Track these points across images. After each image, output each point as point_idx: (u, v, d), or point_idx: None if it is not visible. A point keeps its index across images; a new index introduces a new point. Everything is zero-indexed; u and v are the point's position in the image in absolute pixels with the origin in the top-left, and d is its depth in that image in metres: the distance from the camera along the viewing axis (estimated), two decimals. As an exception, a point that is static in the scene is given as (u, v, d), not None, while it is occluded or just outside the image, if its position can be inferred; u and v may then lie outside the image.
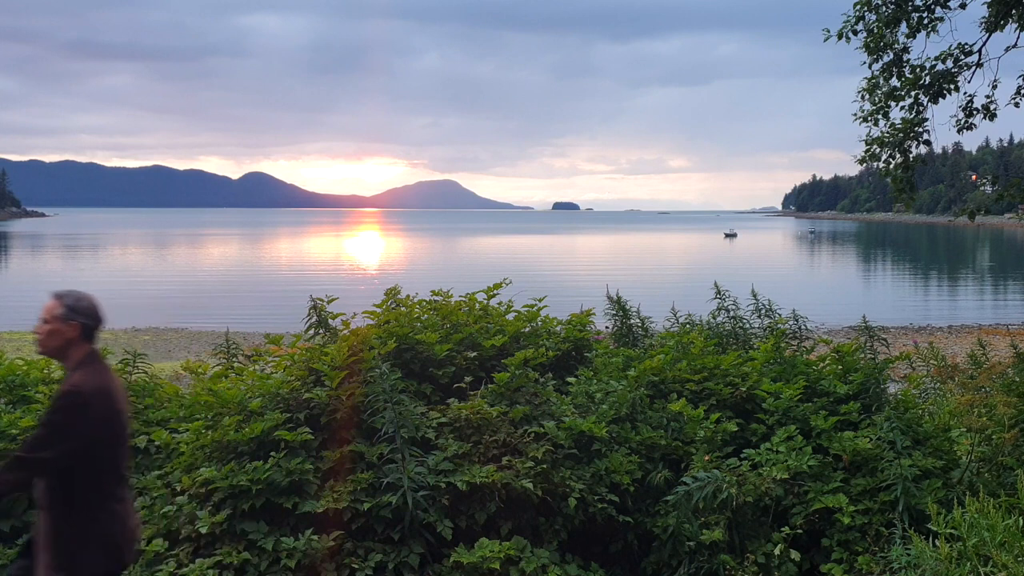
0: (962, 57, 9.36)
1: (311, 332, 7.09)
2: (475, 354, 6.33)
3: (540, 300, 7.19)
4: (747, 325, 8.73)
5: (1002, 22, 9.22)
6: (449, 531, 4.99)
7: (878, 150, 9.68)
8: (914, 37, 9.30)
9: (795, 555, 5.23)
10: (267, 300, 36.77)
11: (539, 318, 7.05)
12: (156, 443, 5.76)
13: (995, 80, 9.57)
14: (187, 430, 5.58)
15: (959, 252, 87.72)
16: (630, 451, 5.72)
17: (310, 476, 5.13)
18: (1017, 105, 9.91)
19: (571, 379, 6.40)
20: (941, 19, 9.23)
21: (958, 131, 9.80)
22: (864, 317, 8.81)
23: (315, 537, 4.82)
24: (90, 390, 3.45)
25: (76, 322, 3.51)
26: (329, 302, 7.22)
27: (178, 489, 5.30)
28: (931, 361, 9.32)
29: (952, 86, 9.37)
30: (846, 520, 5.29)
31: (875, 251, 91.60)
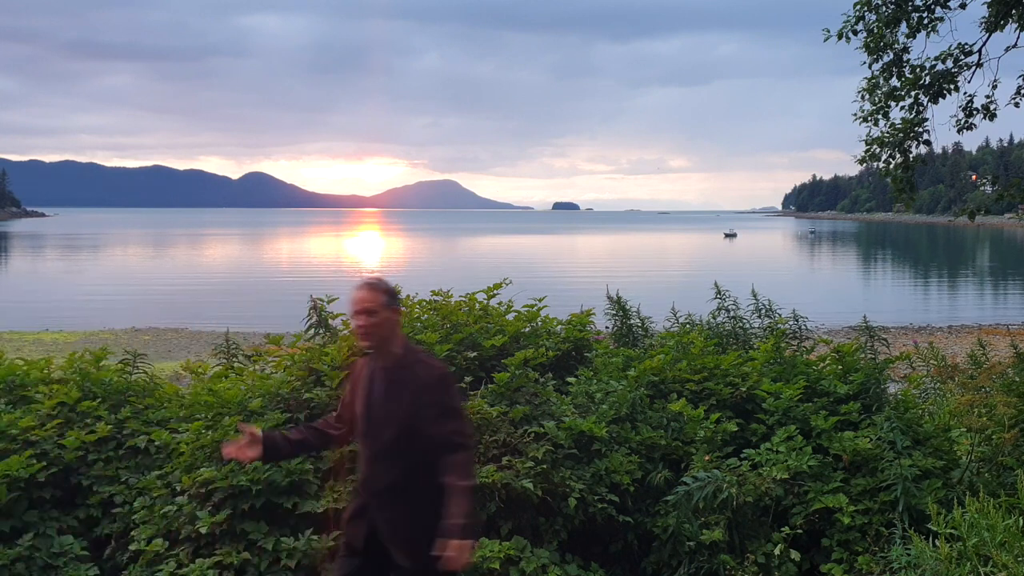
0: (962, 57, 9.36)
1: (311, 332, 7.09)
2: (475, 354, 6.33)
3: (540, 300, 7.19)
4: (747, 325, 8.73)
5: (1002, 22, 9.22)
6: (449, 531, 4.99)
7: (878, 150, 9.68)
8: (914, 37, 9.30)
9: (795, 555, 5.23)
10: (267, 300, 36.76)
11: (539, 318, 7.05)
12: (156, 443, 5.76)
13: (995, 80, 9.57)
14: (187, 430, 5.58)
15: (959, 252, 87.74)
16: (630, 451, 5.72)
17: (310, 476, 5.14)
18: (1017, 105, 9.91)
19: (571, 379, 6.40)
20: (941, 19, 9.23)
21: (958, 131, 9.81)
22: (864, 317, 8.82)
23: (315, 537, 4.82)
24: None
25: (398, 306, 3.60)
26: (329, 302, 7.22)
27: (178, 489, 5.31)
28: (931, 361, 9.32)
29: (952, 86, 9.37)
30: (846, 520, 5.29)
31: (875, 251, 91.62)
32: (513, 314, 7.06)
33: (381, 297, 3.50)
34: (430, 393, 3.46)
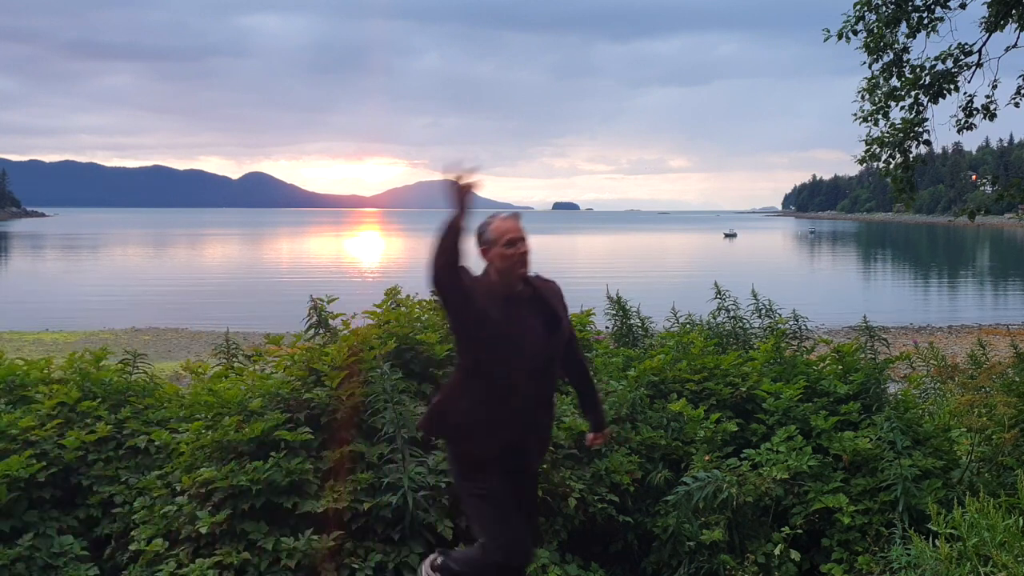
0: (962, 57, 9.37)
1: (311, 332, 7.09)
2: (475, 354, 6.33)
3: (540, 300, 7.18)
4: (747, 325, 8.73)
5: (1002, 22, 9.22)
6: (449, 531, 4.99)
7: (878, 150, 9.69)
8: (914, 37, 9.31)
9: (795, 555, 5.23)
10: (267, 300, 36.74)
11: (539, 318, 7.04)
12: (156, 443, 5.76)
13: (995, 80, 9.58)
14: (187, 430, 5.58)
15: (959, 252, 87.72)
16: (630, 451, 5.72)
17: (310, 476, 5.13)
18: (1017, 105, 9.91)
19: (571, 379, 6.40)
20: (941, 19, 9.24)
21: (958, 131, 9.81)
22: (864, 317, 8.82)
23: (315, 537, 4.82)
24: None
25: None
26: (329, 302, 7.22)
27: (178, 489, 5.31)
28: (931, 361, 9.32)
29: (952, 86, 9.37)
30: (846, 520, 5.30)
31: (875, 251, 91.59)
32: (513, 314, 7.05)
33: (523, 227, 3.76)
34: (561, 299, 3.84)
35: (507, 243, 3.68)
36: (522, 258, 3.70)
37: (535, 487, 4.11)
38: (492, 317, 3.66)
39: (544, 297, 3.78)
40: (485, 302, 3.66)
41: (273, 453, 5.14)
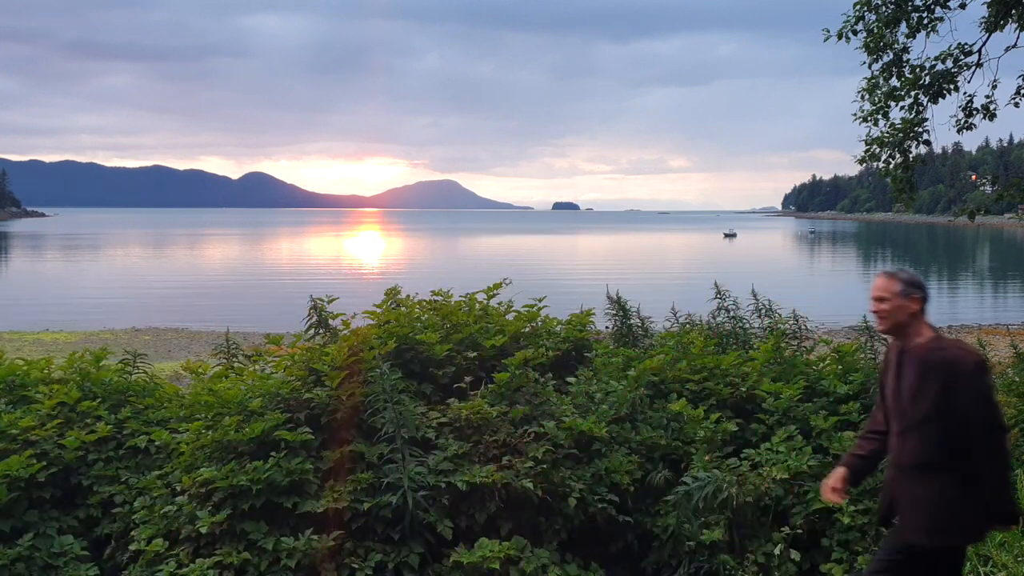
0: (962, 57, 9.37)
1: (311, 332, 7.09)
2: (475, 354, 6.33)
3: (540, 300, 7.19)
4: (747, 325, 8.73)
5: (1002, 22, 9.22)
6: (449, 531, 4.99)
7: (878, 150, 9.69)
8: (914, 37, 9.31)
9: (795, 555, 5.23)
10: (267, 300, 36.73)
11: (539, 318, 7.05)
12: (156, 443, 5.76)
13: (995, 80, 9.58)
14: (187, 430, 5.58)
15: (959, 252, 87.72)
16: (630, 451, 5.72)
17: (310, 476, 5.14)
18: (1017, 105, 9.91)
19: (571, 379, 6.40)
20: (941, 19, 9.24)
21: (958, 131, 9.81)
22: (864, 317, 8.80)
23: (315, 537, 4.82)
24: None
25: (917, 296, 3.72)
26: (329, 302, 7.22)
27: (178, 489, 5.31)
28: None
29: (952, 86, 9.38)
30: (846, 520, 5.30)
31: (875, 251, 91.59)
32: (513, 314, 7.06)
33: (895, 286, 3.73)
34: (962, 380, 3.56)
35: (870, 300, 3.85)
36: (876, 316, 3.82)
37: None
38: (880, 374, 3.93)
39: (927, 364, 3.66)
40: (885, 356, 3.96)
41: (273, 453, 5.14)
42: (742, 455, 5.79)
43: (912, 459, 3.61)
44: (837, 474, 3.88)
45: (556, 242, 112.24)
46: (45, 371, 6.54)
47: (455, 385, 5.97)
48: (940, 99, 9.38)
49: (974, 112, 9.72)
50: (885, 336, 8.45)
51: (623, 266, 62.17)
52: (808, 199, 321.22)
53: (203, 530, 4.86)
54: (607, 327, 9.22)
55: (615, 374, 6.57)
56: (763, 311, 8.77)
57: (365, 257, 78.76)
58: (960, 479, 3.54)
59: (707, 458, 5.59)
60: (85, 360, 6.50)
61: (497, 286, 7.23)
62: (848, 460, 3.93)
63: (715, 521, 5.26)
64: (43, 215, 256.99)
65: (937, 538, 3.56)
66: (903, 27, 9.25)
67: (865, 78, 9.58)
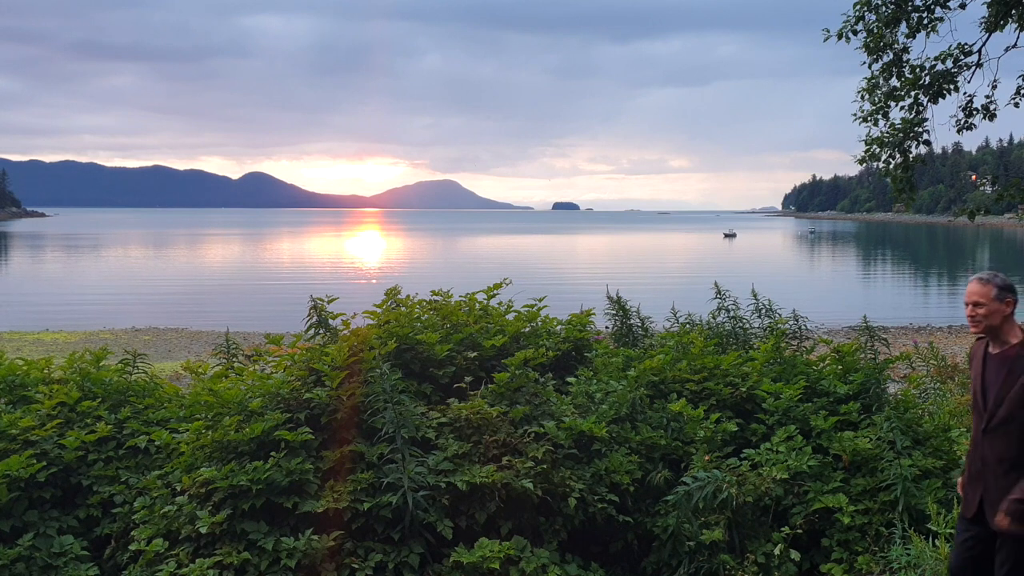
0: (962, 57, 9.37)
1: (311, 332, 7.09)
2: (475, 354, 6.33)
3: (540, 300, 7.20)
4: (747, 325, 8.73)
5: (1002, 22, 9.23)
6: (449, 531, 4.99)
7: (878, 150, 9.70)
8: (914, 37, 9.32)
9: (795, 555, 5.23)
10: (267, 300, 36.74)
11: (539, 318, 7.05)
12: (156, 443, 5.76)
13: (995, 80, 9.59)
14: (187, 430, 5.58)
15: (959, 252, 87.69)
16: (630, 451, 5.72)
17: (310, 476, 5.13)
18: (1017, 105, 9.92)
19: (571, 379, 6.40)
20: (941, 19, 9.24)
21: (958, 131, 9.82)
22: (864, 317, 8.81)
23: (315, 537, 4.82)
24: None
25: (1011, 299, 3.89)
26: (329, 302, 7.22)
27: (178, 489, 5.30)
28: (931, 361, 9.32)
29: (952, 86, 9.38)
30: (846, 520, 5.29)
31: (875, 251, 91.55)
32: (513, 314, 7.06)
33: (991, 290, 3.87)
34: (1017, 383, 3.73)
35: (965, 304, 4.00)
36: (972, 319, 3.95)
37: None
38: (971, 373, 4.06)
39: (1015, 366, 3.81)
40: (972, 354, 4.10)
41: (273, 453, 5.14)
42: (742, 455, 5.79)
43: (996, 456, 3.78)
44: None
45: (556, 242, 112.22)
46: (45, 371, 6.54)
47: (455, 385, 5.97)
48: (940, 99, 9.39)
49: (974, 112, 9.73)
50: (885, 337, 8.46)
51: (623, 266, 62.16)
52: (808, 199, 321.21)
53: (203, 530, 4.86)
54: (607, 327, 9.22)
55: (615, 374, 6.56)
56: (763, 311, 8.77)
57: (365, 257, 78.74)
58: None
59: (707, 458, 5.59)
60: (85, 360, 6.50)
61: (497, 286, 7.23)
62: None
63: (715, 521, 5.26)
64: (43, 215, 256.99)
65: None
66: (903, 27, 9.26)
67: (865, 78, 9.60)
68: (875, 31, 9.23)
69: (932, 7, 9.18)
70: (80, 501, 5.59)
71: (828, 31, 9.48)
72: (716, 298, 8.96)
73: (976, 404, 3.91)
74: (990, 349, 3.90)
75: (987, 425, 3.82)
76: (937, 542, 4.52)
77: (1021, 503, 3.65)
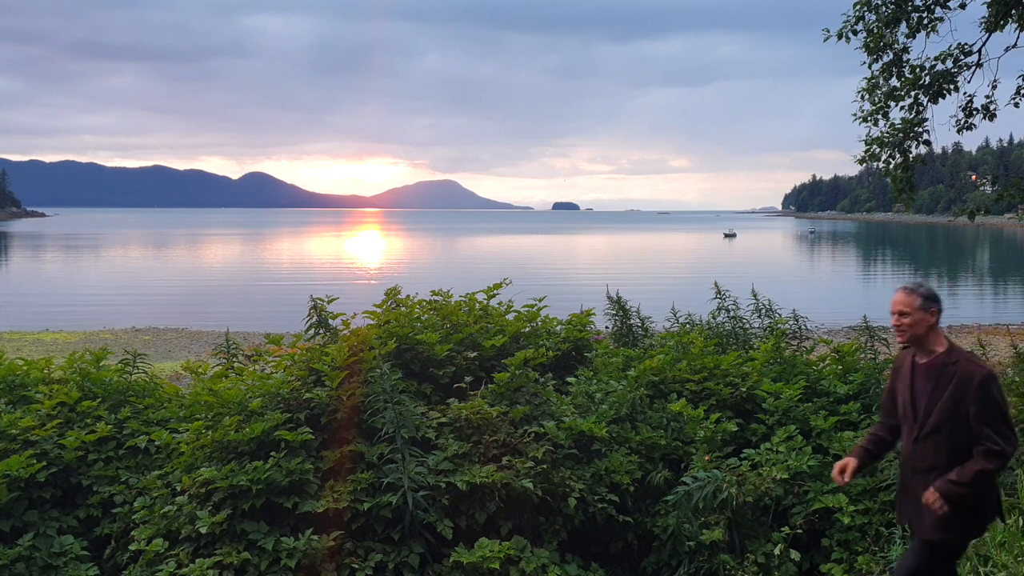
0: (962, 57, 9.36)
1: (311, 332, 7.09)
2: (475, 354, 6.33)
3: (540, 300, 7.20)
4: (747, 325, 8.73)
5: (1002, 22, 9.22)
6: (449, 531, 4.99)
7: (878, 150, 9.68)
8: (914, 37, 9.30)
9: (795, 555, 5.23)
10: (267, 300, 36.72)
11: (539, 318, 7.05)
12: (156, 443, 5.76)
13: (995, 80, 9.57)
14: (187, 430, 5.58)
15: (959, 252, 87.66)
16: (630, 451, 5.72)
17: (310, 476, 5.13)
18: (1017, 105, 9.91)
19: (571, 379, 6.40)
20: (941, 19, 9.23)
21: (958, 131, 9.81)
22: (864, 317, 8.81)
23: (315, 537, 4.82)
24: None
25: (935, 308, 3.89)
26: (329, 302, 7.22)
27: (178, 489, 5.30)
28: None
29: (952, 86, 9.37)
30: (846, 520, 5.29)
31: (875, 251, 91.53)
32: (513, 314, 7.06)
33: (915, 300, 3.89)
34: (971, 393, 3.75)
35: (891, 313, 3.99)
36: (897, 328, 3.96)
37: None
38: (888, 380, 4.10)
39: (941, 376, 3.84)
40: (895, 364, 4.13)
41: (273, 453, 5.14)
42: (742, 455, 5.79)
43: (926, 464, 3.80)
44: (849, 462, 4.07)
45: (556, 242, 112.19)
46: (45, 371, 6.54)
47: (455, 385, 5.97)
48: (940, 99, 9.37)
49: (974, 112, 9.72)
50: (885, 337, 8.47)
51: (623, 266, 62.14)
52: (808, 199, 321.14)
53: (203, 530, 4.85)
54: (607, 327, 9.22)
55: (615, 374, 6.56)
56: (763, 311, 8.77)
57: (365, 257, 78.73)
58: (975, 496, 3.73)
59: (707, 458, 5.59)
60: (85, 360, 6.50)
61: (497, 286, 7.23)
62: (857, 451, 4.12)
63: (715, 521, 5.26)
64: (43, 215, 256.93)
65: (948, 535, 3.78)
66: (903, 27, 9.24)
67: (865, 78, 9.58)
68: (875, 31, 9.23)
69: (932, 7, 9.17)
70: (80, 501, 5.59)
71: (828, 31, 9.47)
72: (716, 298, 8.96)
73: (906, 414, 3.91)
74: (917, 359, 3.91)
75: (918, 435, 3.83)
76: (937, 542, 4.51)
77: (956, 484, 3.66)
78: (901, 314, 3.89)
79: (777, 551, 5.19)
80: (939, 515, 3.70)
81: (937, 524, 3.76)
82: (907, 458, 3.93)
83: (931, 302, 3.88)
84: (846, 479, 4.05)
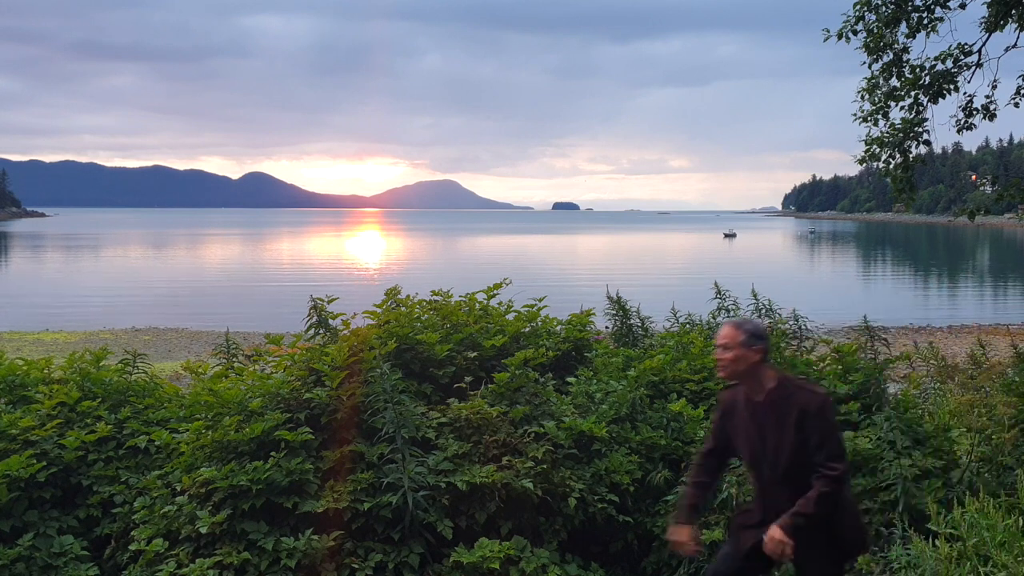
0: (962, 57, 9.35)
1: (311, 332, 7.09)
2: (475, 354, 6.33)
3: (540, 300, 7.20)
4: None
5: (1002, 22, 9.21)
6: (449, 531, 4.99)
7: (878, 150, 9.68)
8: (914, 37, 9.29)
9: (795, 555, 5.23)
10: (267, 300, 36.73)
11: (539, 318, 7.05)
12: (156, 443, 5.76)
13: (995, 80, 9.57)
14: (187, 430, 5.58)
15: (959, 252, 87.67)
16: (630, 451, 5.72)
17: (310, 476, 5.13)
18: (1017, 105, 9.90)
19: (571, 379, 6.40)
20: (941, 19, 9.22)
21: (958, 131, 9.80)
22: (864, 317, 8.81)
23: (315, 537, 4.82)
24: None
25: (760, 347, 3.78)
26: (329, 302, 7.22)
27: (178, 489, 5.31)
28: (931, 361, 9.31)
29: (952, 86, 9.36)
30: (846, 520, 5.29)
31: (875, 251, 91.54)
32: (513, 314, 7.06)
33: (739, 336, 3.78)
34: (810, 421, 3.69)
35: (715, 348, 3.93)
36: (718, 362, 3.89)
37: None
38: (715, 419, 4.04)
39: (779, 412, 3.77)
40: (722, 403, 4.04)
41: (273, 453, 5.14)
42: (742, 455, 5.79)
43: (785, 506, 3.67)
44: (683, 532, 3.95)
45: (556, 242, 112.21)
46: (45, 371, 6.54)
47: (455, 385, 5.97)
48: (940, 99, 9.36)
49: (974, 112, 9.71)
50: (885, 337, 8.47)
51: (623, 266, 62.14)
52: (808, 199, 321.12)
53: (203, 530, 4.86)
54: (607, 327, 9.22)
55: (615, 374, 6.56)
56: (763, 311, 8.77)
57: (365, 257, 78.73)
58: (827, 522, 3.70)
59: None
60: (85, 360, 6.49)
61: (497, 286, 7.23)
62: (686, 514, 4.00)
63: (715, 521, 5.26)
64: (43, 215, 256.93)
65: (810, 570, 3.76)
66: (903, 27, 9.24)
67: (865, 78, 9.58)
68: (875, 31, 9.22)
69: (932, 7, 9.16)
70: (80, 501, 5.59)
71: (828, 31, 9.46)
72: (716, 298, 8.96)
73: (755, 456, 3.80)
74: (753, 396, 3.81)
75: (772, 476, 3.75)
76: (937, 542, 4.52)
77: (800, 516, 3.58)
78: (724, 347, 3.80)
79: (777, 551, 5.19)
80: (790, 555, 3.62)
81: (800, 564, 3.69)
82: (766, 498, 3.82)
83: (755, 339, 3.77)
84: (695, 547, 3.95)
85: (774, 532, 3.62)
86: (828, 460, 3.62)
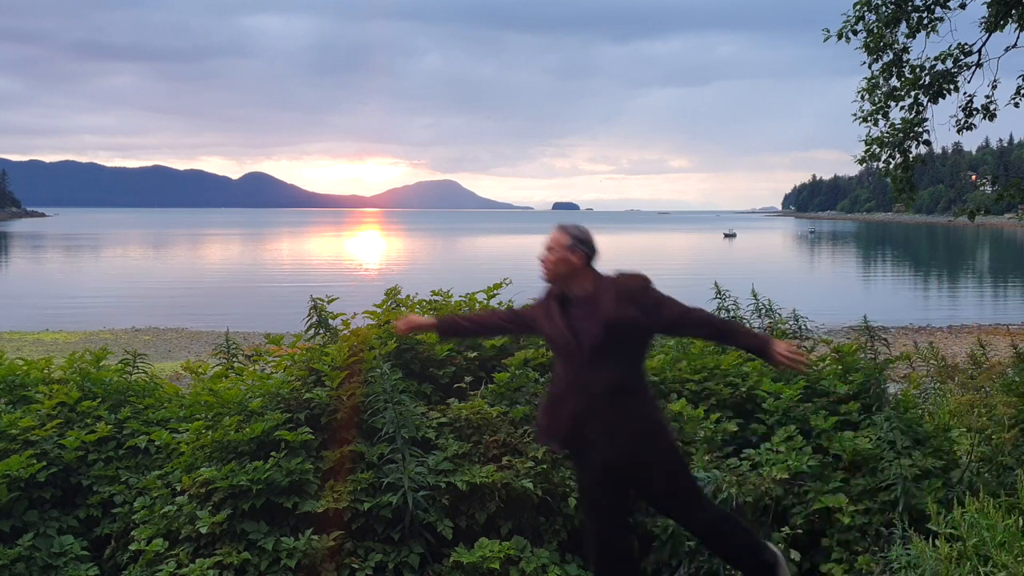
0: (962, 57, 9.36)
1: (311, 332, 7.08)
2: (475, 354, 6.33)
3: (540, 300, 7.18)
4: (747, 325, 8.72)
5: (1002, 22, 9.22)
6: (449, 531, 5.00)
7: (878, 150, 9.69)
8: (914, 37, 9.31)
9: (795, 555, 5.23)
10: (267, 300, 36.74)
11: (539, 318, 7.04)
12: (156, 443, 5.76)
13: (995, 80, 9.58)
14: (187, 430, 5.58)
15: (959, 252, 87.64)
16: (630, 451, 5.71)
17: (310, 476, 5.14)
18: (1017, 105, 9.91)
19: (571, 379, 6.40)
20: (941, 19, 9.24)
21: (958, 131, 9.81)
22: (864, 317, 8.80)
23: (315, 537, 4.82)
24: None
25: (583, 251, 3.97)
26: (329, 302, 7.22)
27: (178, 489, 5.31)
28: (931, 361, 9.31)
29: (952, 86, 9.37)
30: (846, 520, 5.29)
31: (875, 251, 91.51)
32: (513, 314, 7.05)
33: (564, 239, 3.97)
34: (638, 295, 3.89)
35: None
36: (541, 263, 4.05)
37: (639, 487, 4.05)
38: (543, 319, 4.09)
39: (597, 293, 3.92)
40: (538, 302, 4.16)
41: (273, 453, 5.15)
42: (742, 455, 5.79)
43: (605, 384, 3.79)
44: (411, 321, 4.34)
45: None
46: (45, 371, 6.54)
47: (455, 385, 5.97)
48: (940, 99, 9.37)
49: (974, 112, 9.72)
50: (885, 337, 8.47)
51: (623, 266, 62.06)
52: (808, 199, 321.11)
53: (203, 530, 4.86)
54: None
55: (615, 374, 6.55)
56: (763, 311, 8.76)
57: (365, 257, 78.72)
58: (652, 397, 3.95)
59: (707, 458, 5.59)
60: (85, 360, 6.49)
61: (497, 286, 7.23)
62: (450, 317, 4.36)
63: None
64: (43, 215, 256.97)
65: (644, 454, 3.85)
66: (903, 27, 9.25)
67: (865, 78, 9.59)
68: (875, 31, 9.23)
69: (932, 7, 9.17)
70: (80, 501, 5.59)
71: (828, 31, 9.47)
72: (716, 298, 8.95)
73: (566, 345, 3.86)
74: (572, 293, 3.94)
75: (586, 358, 3.80)
76: (937, 542, 4.52)
77: (731, 331, 3.90)
78: (549, 249, 3.97)
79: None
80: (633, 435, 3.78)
81: (629, 445, 3.78)
82: (569, 383, 3.89)
83: (579, 243, 3.95)
84: (403, 326, 4.29)
85: (778, 346, 3.79)
86: (678, 306, 3.88)
